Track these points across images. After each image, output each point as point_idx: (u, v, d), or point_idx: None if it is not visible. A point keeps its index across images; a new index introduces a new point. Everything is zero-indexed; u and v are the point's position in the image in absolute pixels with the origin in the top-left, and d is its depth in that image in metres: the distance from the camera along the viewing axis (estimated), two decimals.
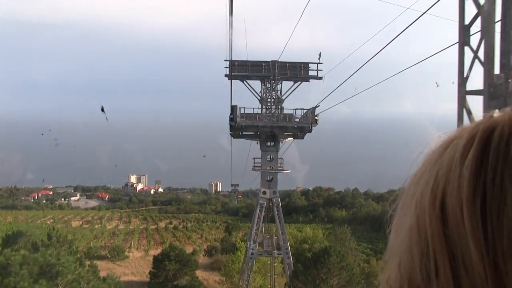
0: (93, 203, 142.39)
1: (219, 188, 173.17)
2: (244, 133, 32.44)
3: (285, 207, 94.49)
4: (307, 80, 32.59)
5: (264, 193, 32.55)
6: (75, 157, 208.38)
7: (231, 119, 30.26)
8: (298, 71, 32.91)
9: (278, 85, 32.78)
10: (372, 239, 67.15)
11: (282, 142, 33.03)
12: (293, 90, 32.81)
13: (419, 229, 0.71)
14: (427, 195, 0.71)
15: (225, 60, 31.66)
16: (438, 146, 0.77)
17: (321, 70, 32.33)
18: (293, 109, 32.36)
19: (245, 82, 32.53)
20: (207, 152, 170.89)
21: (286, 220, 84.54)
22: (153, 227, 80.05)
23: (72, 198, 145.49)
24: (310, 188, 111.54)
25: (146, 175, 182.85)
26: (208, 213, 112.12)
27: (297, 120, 32.01)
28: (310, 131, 31.39)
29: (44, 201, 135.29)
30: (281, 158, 33.10)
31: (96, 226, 79.67)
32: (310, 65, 32.60)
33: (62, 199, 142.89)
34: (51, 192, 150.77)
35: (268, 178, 32.75)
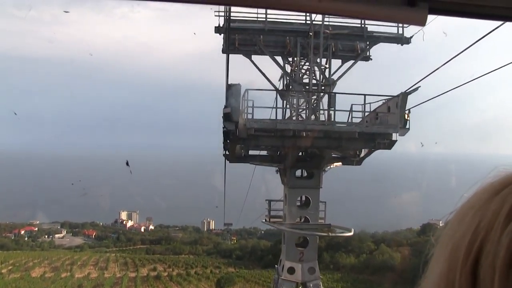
0: (78, 240, 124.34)
1: (212, 226, 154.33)
2: (250, 151, 15.59)
3: (280, 251, 77.19)
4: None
5: (291, 271, 15.03)
6: (65, 192, 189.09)
7: (226, 118, 12.66)
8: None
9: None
10: None
11: (324, 171, 15.75)
12: (349, 68, 15.85)
13: (448, 281, 0.66)
14: (463, 248, 0.65)
15: (216, 15, 14.84)
16: (488, 188, 0.68)
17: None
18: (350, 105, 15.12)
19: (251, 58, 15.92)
20: (201, 189, 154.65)
21: None
22: (133, 275, 62.21)
23: (57, 236, 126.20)
24: None
25: (137, 212, 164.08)
26: (199, 254, 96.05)
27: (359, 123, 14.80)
28: (388, 146, 13.98)
29: (26, 238, 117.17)
30: (323, 203, 15.76)
31: (63, 275, 60.84)
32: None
33: (46, 236, 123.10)
34: (36, 229, 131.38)
35: (299, 241, 15.31)
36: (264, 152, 18.17)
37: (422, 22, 1.50)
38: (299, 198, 15.92)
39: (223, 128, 13.35)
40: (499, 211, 0.62)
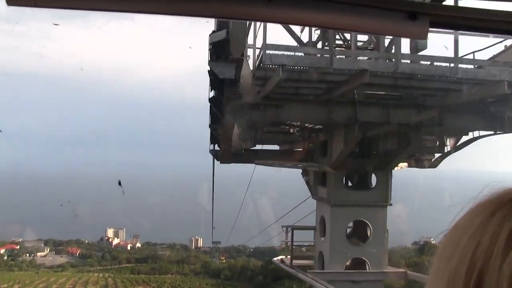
0: (61, 259, 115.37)
1: (200, 244, 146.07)
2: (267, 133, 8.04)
3: (274, 272, 68.82)
4: None
5: None
6: (51, 208, 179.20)
7: (215, 51, 4.54)
8: None
9: None
10: None
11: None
12: None
13: None
14: (461, 278, 0.59)
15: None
16: (482, 208, 0.62)
17: None
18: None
19: None
20: (189, 206, 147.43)
21: None
22: None
23: (39, 254, 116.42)
24: (303, 248, 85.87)
25: (124, 229, 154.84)
26: (187, 274, 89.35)
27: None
28: None
29: (5, 257, 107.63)
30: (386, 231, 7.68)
31: None
32: None
33: (27, 254, 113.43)
34: (18, 247, 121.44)
35: None
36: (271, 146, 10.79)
37: (423, 36, 1.49)
38: (350, 226, 8.64)
39: (210, 77, 6.14)
40: (497, 236, 0.56)
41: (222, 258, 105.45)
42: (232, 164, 9.69)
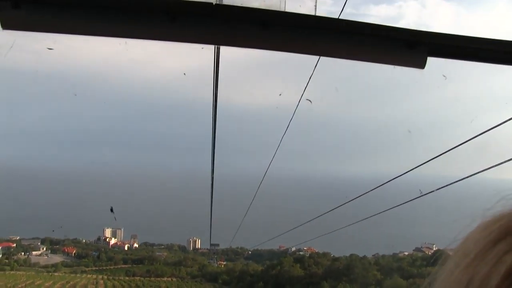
0: (57, 258, 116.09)
1: (198, 245, 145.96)
2: None
3: (275, 278, 68.36)
4: None
5: None
6: (48, 207, 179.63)
7: None
8: None
9: None
10: None
11: None
12: None
13: None
14: None
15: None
16: (485, 233, 0.58)
17: None
18: None
19: None
20: (188, 207, 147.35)
21: None
22: None
23: (34, 253, 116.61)
24: (301, 252, 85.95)
25: (122, 229, 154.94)
26: (183, 277, 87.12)
27: None
28: None
29: (0, 255, 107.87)
30: None
31: None
32: None
33: (22, 253, 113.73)
34: (14, 245, 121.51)
35: None
36: None
37: (421, 65, 1.51)
38: None
39: None
40: (492, 273, 0.52)
41: (221, 262, 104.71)
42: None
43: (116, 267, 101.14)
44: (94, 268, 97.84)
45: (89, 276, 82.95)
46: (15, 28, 1.31)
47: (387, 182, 7.51)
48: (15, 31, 1.31)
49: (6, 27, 1.26)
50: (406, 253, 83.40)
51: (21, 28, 1.30)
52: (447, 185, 6.21)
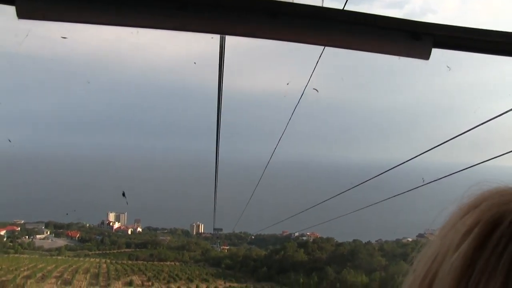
0: (60, 242, 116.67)
1: (202, 230, 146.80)
2: None
3: (279, 263, 68.83)
4: None
5: None
6: (52, 191, 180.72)
7: None
8: None
9: None
10: None
11: None
12: None
13: None
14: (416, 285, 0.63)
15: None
16: (453, 215, 0.64)
17: None
18: None
19: None
20: (192, 191, 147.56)
21: (284, 282, 57.98)
22: None
23: (38, 236, 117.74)
24: (305, 237, 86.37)
25: (126, 213, 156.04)
26: (186, 261, 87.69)
27: None
28: None
29: (4, 239, 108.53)
30: None
31: None
32: None
33: (26, 237, 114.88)
34: (18, 228, 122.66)
35: None
36: None
37: (426, 56, 1.52)
38: None
39: None
40: (456, 234, 0.58)
41: (224, 247, 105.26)
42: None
43: (119, 251, 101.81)
44: (97, 252, 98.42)
45: (92, 260, 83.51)
46: (30, 18, 1.31)
47: (390, 169, 7.55)
48: (30, 20, 1.35)
49: (21, 16, 1.28)
50: (410, 239, 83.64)
51: (36, 18, 1.33)
52: (450, 174, 6.23)
